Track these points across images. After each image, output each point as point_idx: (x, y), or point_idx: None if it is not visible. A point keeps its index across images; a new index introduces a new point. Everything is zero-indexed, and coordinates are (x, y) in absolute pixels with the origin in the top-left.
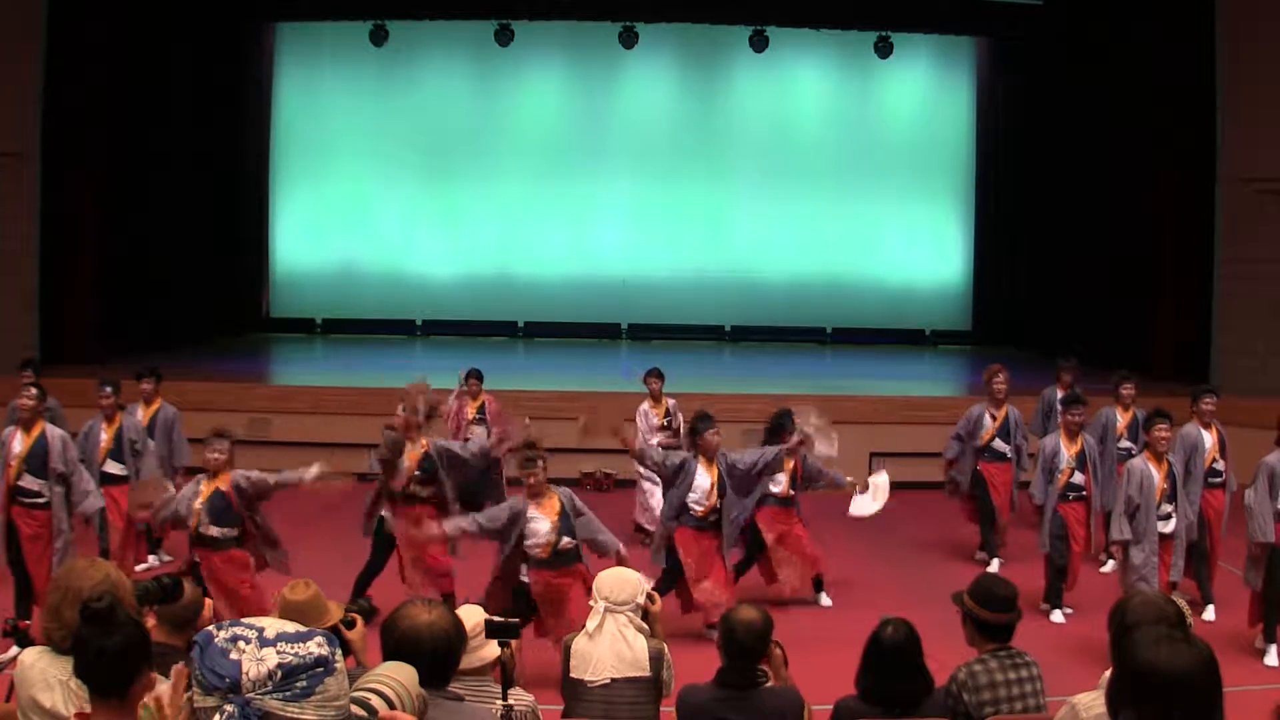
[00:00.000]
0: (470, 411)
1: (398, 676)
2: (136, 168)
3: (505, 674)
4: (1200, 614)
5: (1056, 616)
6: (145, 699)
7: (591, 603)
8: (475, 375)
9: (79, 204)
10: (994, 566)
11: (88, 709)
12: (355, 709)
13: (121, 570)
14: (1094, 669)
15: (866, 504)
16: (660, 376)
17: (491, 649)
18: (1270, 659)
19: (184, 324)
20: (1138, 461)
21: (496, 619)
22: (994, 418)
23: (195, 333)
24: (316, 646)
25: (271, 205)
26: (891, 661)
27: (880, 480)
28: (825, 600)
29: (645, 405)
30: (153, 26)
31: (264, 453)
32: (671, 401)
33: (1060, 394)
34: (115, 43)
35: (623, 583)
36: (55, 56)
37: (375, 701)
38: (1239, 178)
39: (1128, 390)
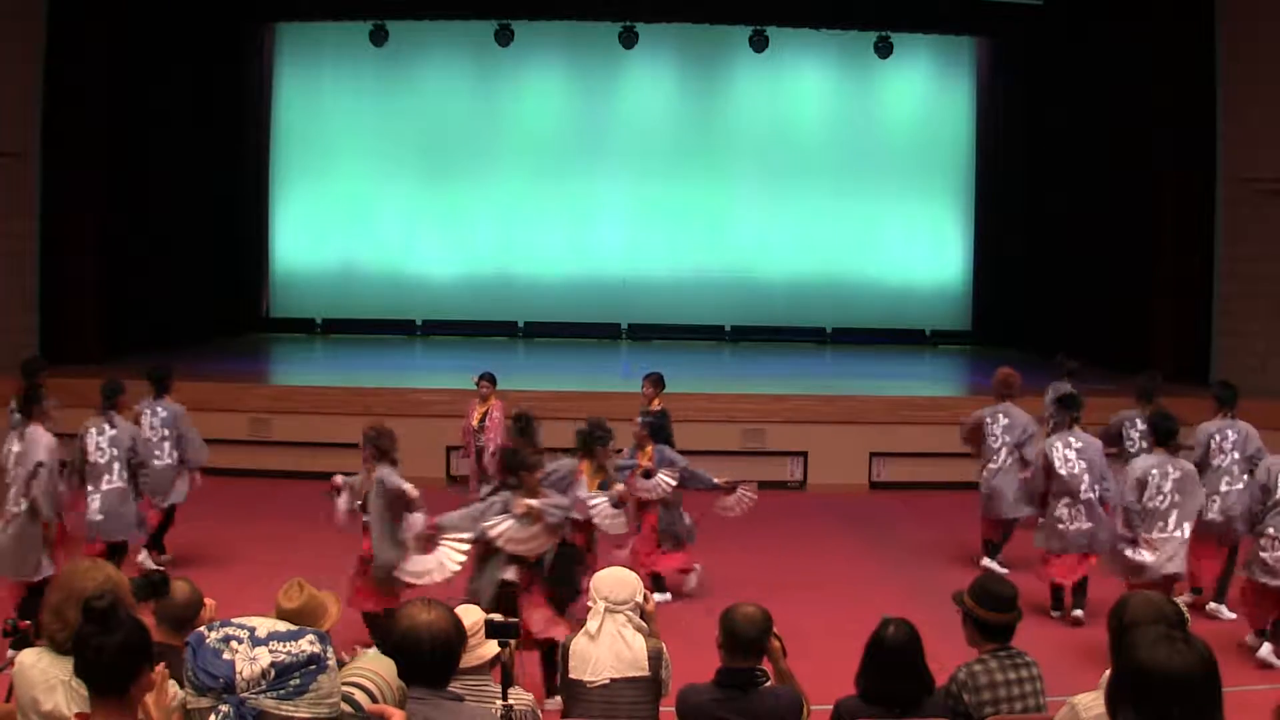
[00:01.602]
0: (475, 419)
1: (377, 669)
2: (136, 168)
3: (505, 674)
4: (1205, 605)
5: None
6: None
7: (590, 603)
8: (486, 378)
9: (79, 204)
10: (996, 568)
11: (88, 709)
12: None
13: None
14: (1094, 669)
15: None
16: (653, 383)
17: (489, 646)
18: (1264, 653)
19: (184, 324)
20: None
21: (496, 618)
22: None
23: (195, 333)
24: (309, 644)
25: (271, 205)
26: (892, 661)
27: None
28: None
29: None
30: (152, 27)
31: (264, 452)
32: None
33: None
34: (115, 43)
35: (621, 582)
36: (55, 56)
37: (359, 696)
38: (1239, 178)
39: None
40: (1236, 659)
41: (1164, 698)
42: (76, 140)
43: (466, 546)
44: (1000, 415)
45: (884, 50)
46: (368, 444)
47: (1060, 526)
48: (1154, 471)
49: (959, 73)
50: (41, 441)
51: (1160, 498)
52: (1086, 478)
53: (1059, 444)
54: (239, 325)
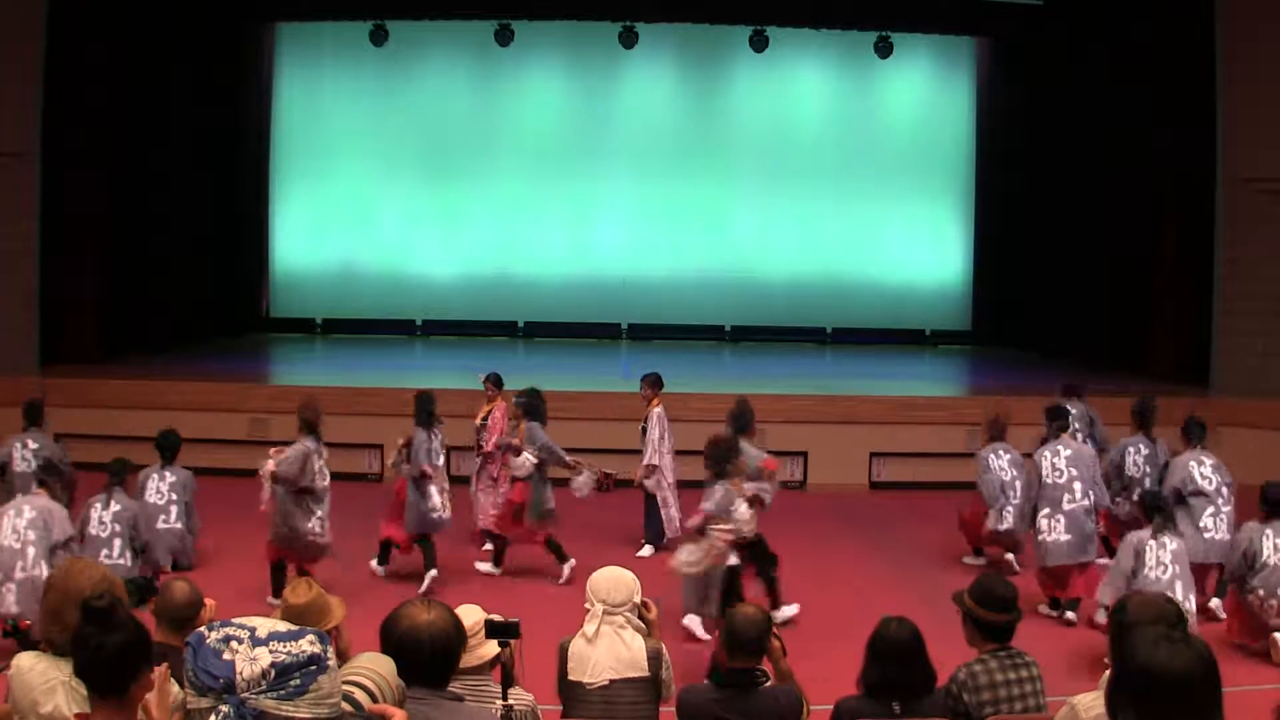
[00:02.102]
0: (478, 418)
1: (376, 668)
2: (136, 168)
3: (505, 674)
4: (1205, 604)
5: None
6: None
7: (587, 605)
8: (491, 379)
9: (79, 204)
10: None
11: (89, 709)
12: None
13: None
14: (1094, 669)
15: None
16: (650, 383)
17: (489, 646)
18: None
19: (184, 324)
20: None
21: (496, 618)
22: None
23: (195, 333)
24: (309, 644)
25: (271, 205)
26: (896, 651)
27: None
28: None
29: None
30: (153, 27)
31: (264, 452)
32: (658, 410)
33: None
34: (115, 43)
35: (618, 584)
36: (55, 56)
37: (359, 695)
38: (1239, 178)
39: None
40: (1236, 659)
41: (1164, 698)
42: (76, 140)
43: (731, 535)
44: (1001, 451)
45: (884, 50)
46: (298, 416)
47: (1040, 538)
48: (1150, 543)
49: (959, 73)
50: (58, 515)
51: (1160, 568)
52: (1077, 486)
53: (1047, 453)
54: (239, 325)
